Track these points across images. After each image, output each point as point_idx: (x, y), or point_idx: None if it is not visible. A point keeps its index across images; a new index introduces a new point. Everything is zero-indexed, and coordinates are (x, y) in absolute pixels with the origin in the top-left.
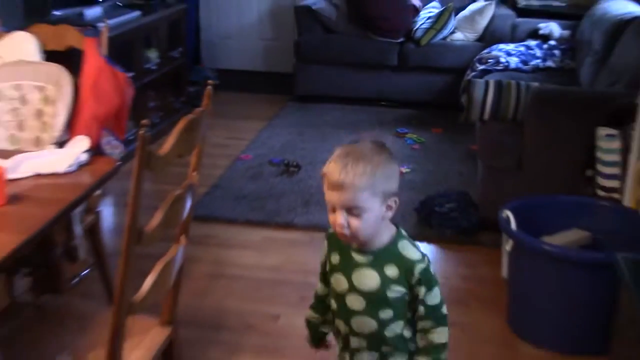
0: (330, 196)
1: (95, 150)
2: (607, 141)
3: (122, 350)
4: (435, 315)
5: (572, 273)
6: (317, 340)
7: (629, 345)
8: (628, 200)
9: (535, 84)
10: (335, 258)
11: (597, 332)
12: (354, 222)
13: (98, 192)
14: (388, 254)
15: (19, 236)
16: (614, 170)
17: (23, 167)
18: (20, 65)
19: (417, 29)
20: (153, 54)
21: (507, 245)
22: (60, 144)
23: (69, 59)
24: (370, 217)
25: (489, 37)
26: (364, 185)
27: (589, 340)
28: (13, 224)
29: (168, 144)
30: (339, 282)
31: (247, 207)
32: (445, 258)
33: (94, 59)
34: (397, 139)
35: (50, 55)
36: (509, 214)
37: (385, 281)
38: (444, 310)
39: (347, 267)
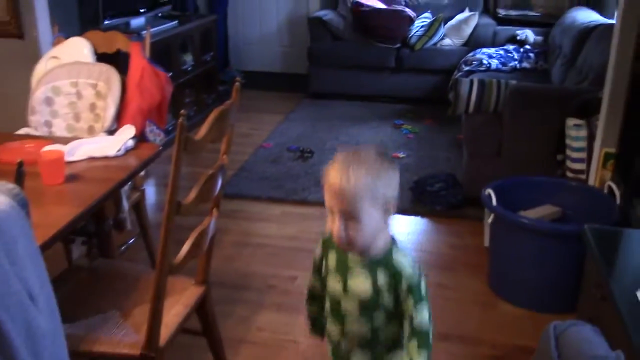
0: (330, 202)
1: (140, 138)
2: (575, 130)
3: (163, 306)
4: (420, 336)
5: (545, 242)
6: (320, 330)
7: (593, 303)
8: (593, 181)
9: (513, 82)
10: (332, 259)
11: (566, 293)
12: (353, 229)
13: (142, 173)
14: (382, 261)
15: (75, 209)
16: (581, 155)
17: (79, 151)
18: (76, 65)
19: (411, 36)
20: (188, 58)
21: (489, 219)
22: (110, 132)
23: (117, 60)
24: (369, 225)
25: (473, 42)
26: (365, 193)
27: (558, 300)
28: (71, 199)
29: (202, 130)
30: (335, 284)
31: (268, 186)
32: (435, 230)
33: (139, 60)
34: (395, 129)
35: (102, 57)
36: (490, 191)
37: (377, 287)
38: (430, 332)
39: (343, 270)
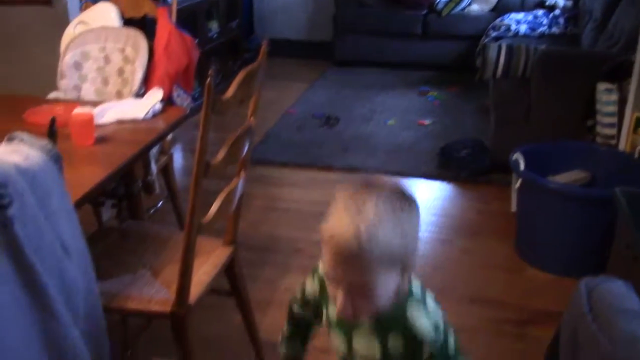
0: (333, 269)
1: (167, 101)
2: (605, 94)
3: (193, 264)
4: None
5: (573, 207)
6: None
7: (624, 264)
8: (624, 145)
9: (542, 46)
10: (332, 310)
11: (594, 258)
12: (362, 302)
13: (170, 137)
14: (393, 321)
15: (106, 169)
16: (612, 120)
17: (108, 114)
18: (104, 30)
19: (438, 1)
20: (214, 25)
21: (516, 184)
22: (138, 96)
23: (144, 25)
24: (384, 295)
25: (501, 7)
26: (383, 260)
27: (586, 264)
28: (101, 160)
29: (230, 90)
30: (337, 341)
31: (294, 152)
32: (461, 195)
33: (166, 24)
34: (421, 96)
35: (129, 22)
36: (519, 156)
37: (388, 354)
38: None
39: (346, 327)
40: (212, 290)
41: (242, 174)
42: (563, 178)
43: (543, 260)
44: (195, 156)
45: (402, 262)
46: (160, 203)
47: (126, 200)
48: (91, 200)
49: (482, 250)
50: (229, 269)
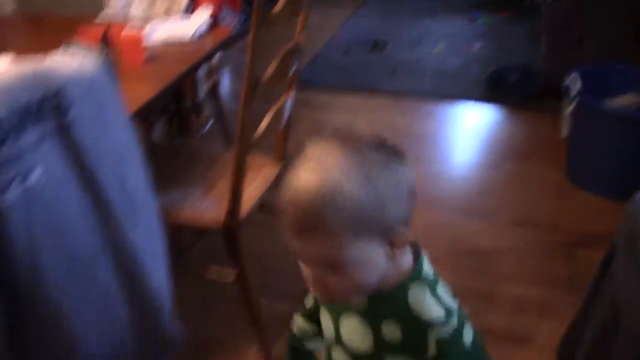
0: (293, 237)
1: (214, 22)
2: None
3: (244, 179)
4: None
5: (630, 129)
6: None
7: None
8: None
9: None
10: None
11: None
12: (336, 280)
13: (217, 59)
14: (390, 305)
15: (156, 87)
16: None
17: (156, 34)
18: None
19: None
20: None
21: (568, 108)
22: (186, 14)
23: None
24: (365, 272)
25: None
26: (350, 223)
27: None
28: (151, 78)
29: (279, 4)
30: (326, 322)
31: (341, 76)
32: (509, 120)
33: None
34: (469, 21)
35: None
36: (576, 77)
37: (382, 344)
38: None
39: (335, 308)
40: (262, 206)
41: (291, 92)
42: (618, 101)
43: (597, 185)
44: (246, 65)
45: (384, 229)
46: (209, 125)
47: (176, 119)
48: (142, 117)
49: (530, 175)
50: (279, 186)
